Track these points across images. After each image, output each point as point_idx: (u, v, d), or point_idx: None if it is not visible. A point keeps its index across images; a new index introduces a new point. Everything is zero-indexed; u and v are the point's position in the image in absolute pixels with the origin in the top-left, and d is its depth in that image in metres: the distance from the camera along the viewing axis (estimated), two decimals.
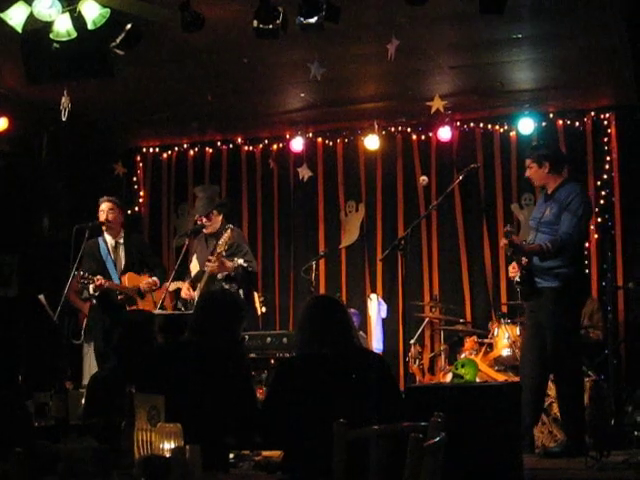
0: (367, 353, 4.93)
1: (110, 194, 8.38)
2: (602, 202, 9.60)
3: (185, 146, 11.14)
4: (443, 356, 9.28)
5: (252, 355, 7.39)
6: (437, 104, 8.97)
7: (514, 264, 6.70)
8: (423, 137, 10.33)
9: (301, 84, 8.70)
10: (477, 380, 7.82)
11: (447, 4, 6.89)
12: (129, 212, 10.45)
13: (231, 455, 4.57)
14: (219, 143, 11.03)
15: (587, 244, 9.52)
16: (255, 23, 6.49)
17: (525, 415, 5.99)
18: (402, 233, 8.50)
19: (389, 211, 10.47)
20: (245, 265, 7.69)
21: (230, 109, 9.57)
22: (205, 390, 4.23)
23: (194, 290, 7.85)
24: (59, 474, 3.24)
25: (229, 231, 7.66)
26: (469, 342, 8.82)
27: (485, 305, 9.92)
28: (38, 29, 6.57)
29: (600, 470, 5.72)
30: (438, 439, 3.21)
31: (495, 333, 8.53)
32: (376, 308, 9.91)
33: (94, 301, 8.07)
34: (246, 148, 10.97)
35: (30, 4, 6.23)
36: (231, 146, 11.00)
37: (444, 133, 9.92)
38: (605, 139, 9.69)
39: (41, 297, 8.08)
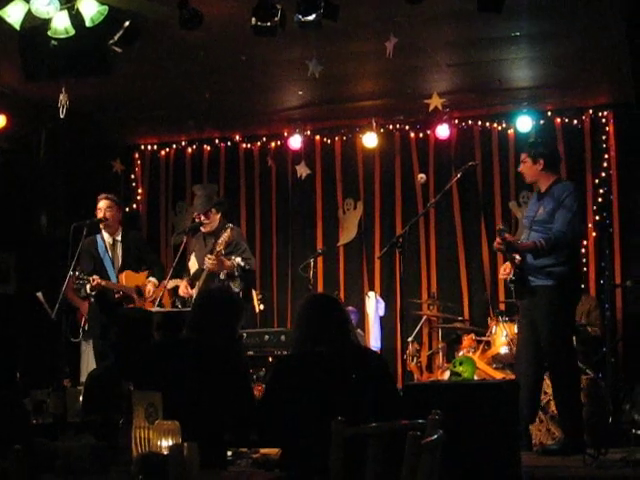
0: (365, 351, 4.94)
1: (108, 191, 8.37)
2: (600, 200, 9.62)
3: (183, 144, 11.13)
4: (441, 354, 9.28)
5: (250, 353, 7.39)
6: (435, 102, 8.97)
7: (506, 265, 6.70)
8: (421, 135, 10.34)
9: (299, 82, 8.69)
10: (475, 378, 7.81)
11: (445, 2, 6.90)
12: (127, 210, 10.46)
13: (229, 452, 4.57)
14: (217, 141, 11.03)
15: (585, 242, 9.55)
16: (253, 20, 6.49)
17: (522, 413, 5.99)
18: (400, 231, 8.50)
19: (387, 209, 10.48)
20: (243, 264, 7.69)
21: (228, 106, 9.57)
22: (203, 388, 4.23)
23: (192, 288, 7.85)
24: (57, 471, 3.24)
25: (229, 230, 7.65)
26: (467, 340, 8.82)
27: (483, 303, 9.93)
28: (36, 26, 6.58)
29: (598, 468, 5.72)
30: (436, 437, 3.21)
31: (493, 331, 8.53)
32: (374, 306, 9.91)
33: (92, 299, 8.07)
34: (244, 146, 10.97)
35: (28, 1, 6.24)
36: (229, 144, 11.00)
37: (442, 131, 9.92)
38: (603, 137, 9.70)
39: (39, 295, 8.08)
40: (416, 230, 9.99)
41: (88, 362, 8.50)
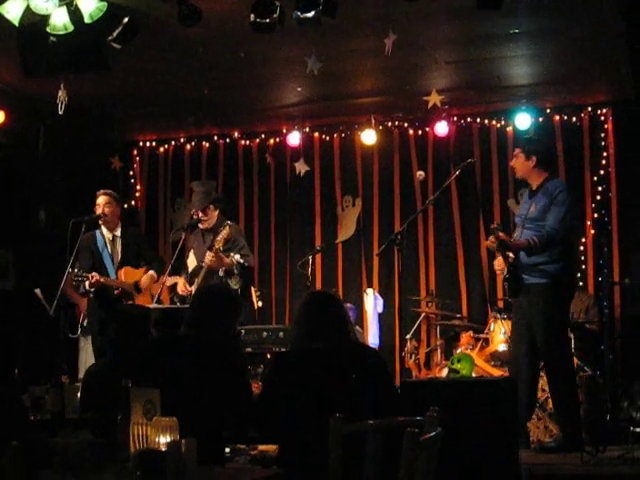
0: (363, 347, 4.94)
1: (107, 188, 8.36)
2: (599, 198, 9.62)
3: (182, 140, 11.13)
4: (439, 351, 9.29)
5: (248, 349, 7.39)
6: (434, 99, 8.97)
7: (500, 259, 6.71)
8: (420, 132, 10.33)
9: (298, 78, 8.69)
10: (473, 375, 7.82)
11: None
12: (125, 206, 10.45)
13: (227, 449, 4.58)
14: (216, 137, 11.02)
15: (583, 239, 9.57)
16: (252, 17, 6.50)
17: (519, 410, 6.00)
18: (399, 228, 8.49)
19: (386, 206, 10.47)
20: (242, 261, 7.69)
21: (227, 103, 9.57)
22: (201, 384, 4.23)
23: (191, 285, 7.84)
24: (55, 468, 3.24)
25: (227, 227, 7.65)
26: (465, 337, 8.82)
27: (481, 300, 9.94)
28: (35, 23, 6.58)
29: (596, 465, 5.72)
30: (434, 434, 3.21)
31: (491, 328, 8.53)
32: (372, 303, 9.90)
33: (91, 295, 8.06)
34: (243, 142, 10.96)
35: None
36: (228, 140, 10.99)
37: (441, 128, 9.92)
38: (602, 134, 9.70)
39: (37, 291, 8.08)
40: (414, 227, 9.99)
41: (86, 358, 8.49)
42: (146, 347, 4.78)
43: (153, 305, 7.45)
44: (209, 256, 7.59)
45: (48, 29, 6.48)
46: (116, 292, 7.98)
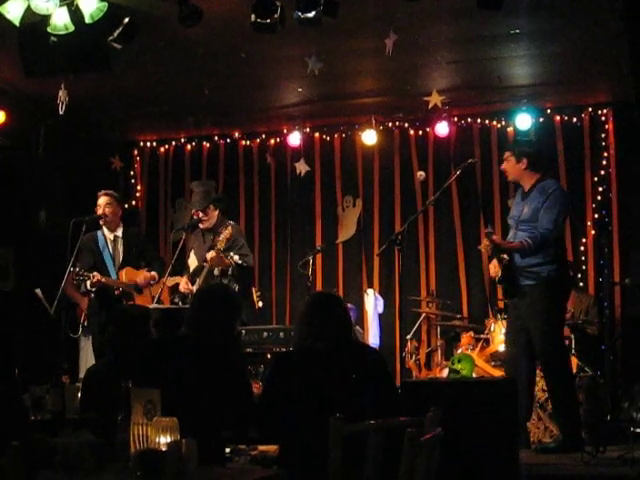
0: (364, 348, 4.96)
1: (107, 188, 8.36)
2: (599, 198, 9.62)
3: (182, 140, 11.13)
4: (439, 351, 9.29)
5: (249, 349, 7.38)
6: (435, 99, 8.96)
7: (494, 262, 6.71)
8: (420, 132, 10.33)
9: (299, 79, 8.69)
10: (473, 375, 7.82)
11: None
12: (126, 206, 10.45)
13: (227, 449, 4.58)
14: (216, 137, 11.02)
15: (584, 240, 9.56)
16: (253, 17, 6.50)
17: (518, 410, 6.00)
18: (399, 228, 8.50)
19: (386, 206, 10.48)
20: (240, 262, 7.69)
21: (227, 103, 9.56)
22: (201, 384, 4.24)
23: (193, 285, 7.84)
24: (56, 468, 3.24)
25: (229, 228, 7.66)
26: (465, 337, 8.82)
27: (482, 300, 9.93)
28: (36, 23, 6.58)
29: (596, 466, 5.73)
30: (434, 434, 3.21)
31: (492, 328, 8.53)
32: (373, 303, 9.91)
33: (92, 295, 8.06)
34: (243, 143, 10.96)
35: None
36: (228, 141, 10.99)
37: (441, 128, 9.92)
38: (602, 135, 9.70)
39: (38, 291, 8.07)
40: (415, 227, 9.99)
41: (87, 358, 8.49)
42: (146, 347, 4.77)
43: (153, 305, 7.44)
44: (210, 255, 7.59)
45: (49, 29, 6.48)
46: (116, 292, 7.98)
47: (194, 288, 7.72)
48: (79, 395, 5.10)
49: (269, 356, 7.41)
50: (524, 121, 9.61)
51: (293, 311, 10.26)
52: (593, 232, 9.59)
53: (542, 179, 6.72)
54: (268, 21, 6.46)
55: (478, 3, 6.26)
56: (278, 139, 10.74)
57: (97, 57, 7.02)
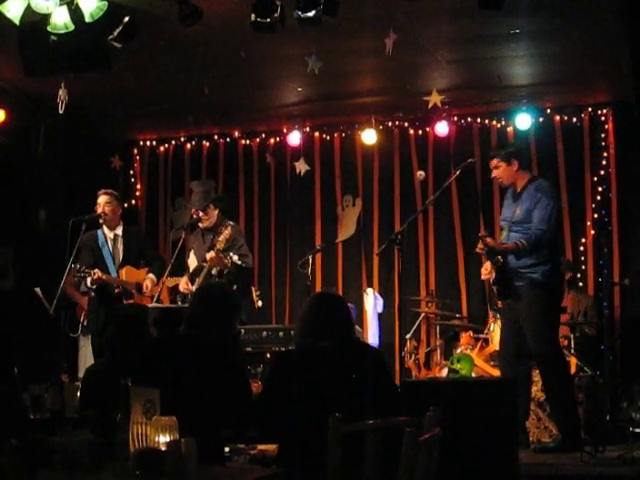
0: (364, 347, 4.95)
1: (107, 187, 8.37)
2: (599, 198, 9.62)
3: (182, 139, 11.13)
4: (439, 351, 9.29)
5: (248, 349, 7.39)
6: (434, 99, 8.96)
7: (487, 265, 6.71)
8: (420, 132, 10.33)
9: (298, 78, 8.69)
10: (473, 375, 7.82)
11: None
12: (125, 205, 10.44)
13: (227, 449, 4.58)
14: (216, 137, 11.02)
15: (583, 240, 9.56)
16: (253, 16, 6.49)
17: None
18: (399, 228, 8.49)
19: (386, 206, 10.48)
20: (239, 263, 7.68)
21: (227, 102, 9.56)
22: (201, 384, 4.23)
23: (193, 284, 7.84)
24: (54, 467, 3.24)
25: (229, 228, 7.66)
26: (465, 337, 8.82)
27: (481, 300, 9.93)
28: (36, 21, 6.58)
29: (595, 465, 5.73)
30: (433, 434, 3.21)
31: (491, 328, 8.53)
32: (372, 303, 9.90)
33: (92, 294, 8.07)
34: (243, 142, 10.96)
35: None
36: (228, 140, 11.00)
37: (441, 128, 9.92)
38: (602, 135, 9.70)
39: (37, 290, 8.08)
40: (415, 227, 9.99)
41: (86, 357, 8.49)
42: (146, 346, 4.77)
43: (152, 305, 7.45)
44: (210, 255, 7.59)
45: (49, 28, 6.48)
46: (117, 291, 7.99)
47: (194, 288, 7.71)
48: (78, 394, 5.10)
49: (268, 355, 7.41)
50: (524, 121, 9.61)
51: (292, 310, 10.26)
52: (593, 232, 9.59)
53: (533, 179, 6.73)
54: (268, 20, 6.45)
55: (478, 3, 6.26)
56: (278, 138, 10.74)
57: (97, 56, 7.02)
